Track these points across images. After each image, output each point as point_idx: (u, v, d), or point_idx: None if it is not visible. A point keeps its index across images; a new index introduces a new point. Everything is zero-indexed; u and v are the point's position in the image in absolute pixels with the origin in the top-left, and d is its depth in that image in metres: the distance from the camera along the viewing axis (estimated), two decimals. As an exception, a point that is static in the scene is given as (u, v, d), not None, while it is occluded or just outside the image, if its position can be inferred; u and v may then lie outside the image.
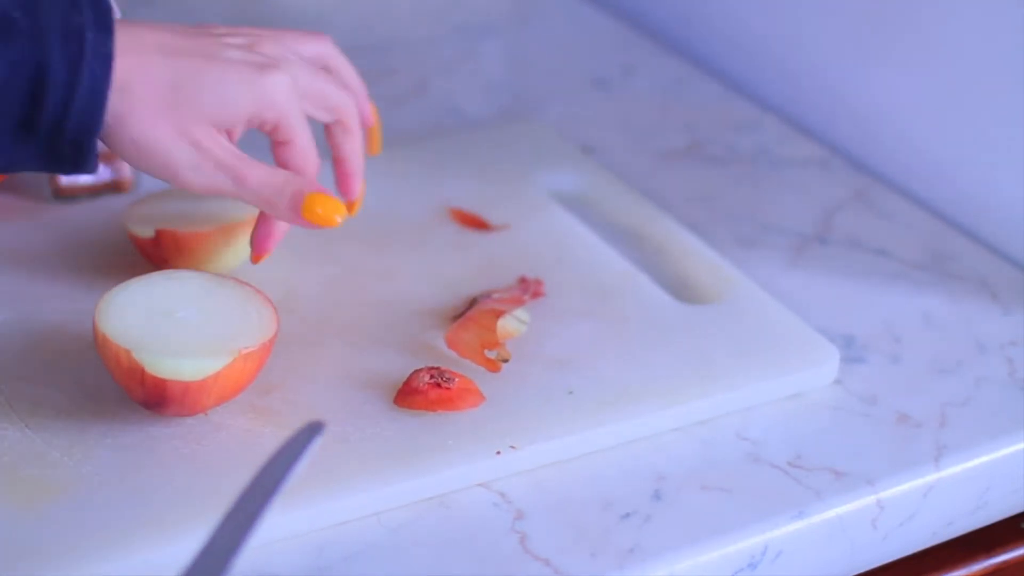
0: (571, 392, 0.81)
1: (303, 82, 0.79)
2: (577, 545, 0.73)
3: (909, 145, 1.03)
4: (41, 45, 0.69)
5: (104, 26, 0.71)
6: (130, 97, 0.73)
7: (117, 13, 0.86)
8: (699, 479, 0.78)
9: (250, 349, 0.75)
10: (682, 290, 0.91)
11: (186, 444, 0.75)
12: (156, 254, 0.85)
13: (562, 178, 1.01)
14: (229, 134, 0.78)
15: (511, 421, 0.78)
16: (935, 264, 0.96)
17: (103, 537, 0.70)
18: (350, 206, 0.85)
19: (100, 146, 0.73)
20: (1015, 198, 0.96)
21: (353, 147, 0.84)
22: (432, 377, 0.79)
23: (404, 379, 0.79)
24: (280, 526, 0.72)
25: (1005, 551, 0.85)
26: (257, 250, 0.82)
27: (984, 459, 0.81)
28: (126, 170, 0.95)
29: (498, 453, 0.76)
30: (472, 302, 0.86)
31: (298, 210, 0.77)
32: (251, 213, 0.86)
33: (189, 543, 0.69)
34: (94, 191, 0.95)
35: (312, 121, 0.81)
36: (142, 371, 0.73)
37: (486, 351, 0.82)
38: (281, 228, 0.82)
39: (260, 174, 0.76)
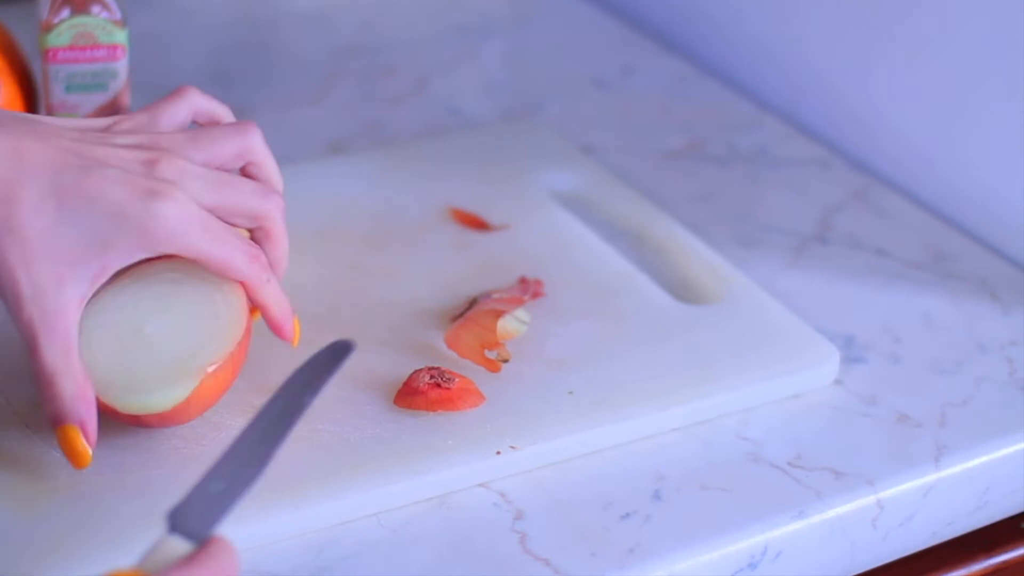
0: (571, 392, 0.81)
1: (208, 199, 0.72)
2: (577, 545, 0.73)
3: (909, 145, 1.03)
4: None
5: None
6: None
7: (118, 14, 0.86)
8: (699, 479, 0.78)
9: (216, 366, 0.73)
10: (682, 290, 0.91)
11: (186, 444, 0.75)
12: None
13: (562, 178, 1.01)
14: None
15: (511, 421, 0.78)
16: (935, 264, 0.96)
17: (103, 537, 0.70)
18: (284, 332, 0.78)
19: None
20: (1015, 198, 0.96)
21: (278, 255, 0.77)
22: (432, 377, 0.79)
23: (404, 379, 0.79)
24: (280, 526, 0.72)
25: (1005, 551, 0.85)
26: (287, 336, 0.78)
27: (984, 459, 0.81)
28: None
29: (498, 453, 0.76)
30: (472, 302, 0.86)
31: (55, 431, 0.71)
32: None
33: (189, 543, 0.68)
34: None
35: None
36: (114, 409, 0.72)
37: (486, 351, 0.82)
38: (277, 311, 0.77)
39: (50, 359, 0.69)
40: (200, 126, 0.79)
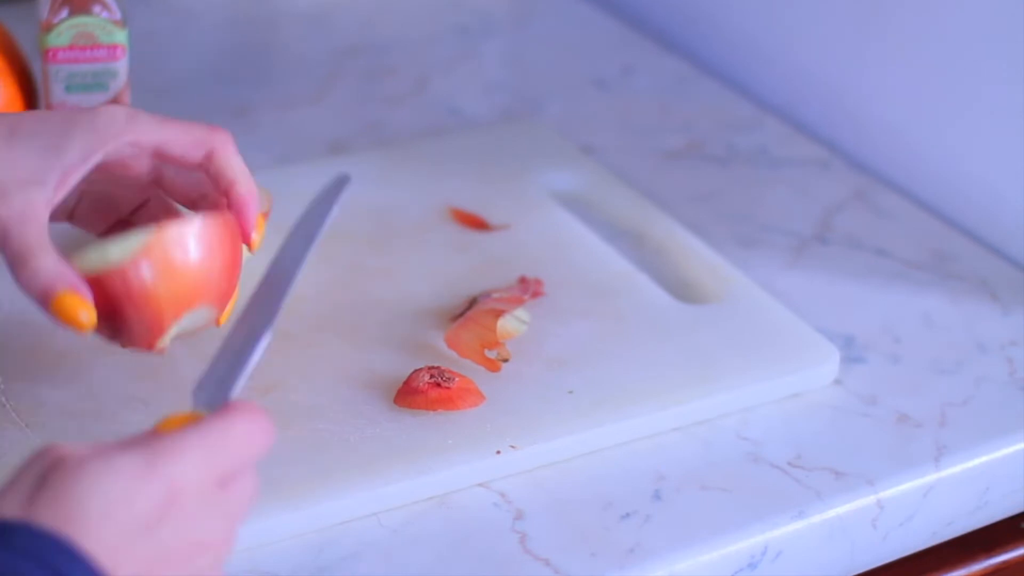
0: (571, 392, 0.81)
1: (154, 130, 0.73)
2: (577, 545, 0.73)
3: (909, 145, 1.03)
4: None
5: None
6: None
7: (118, 14, 0.86)
8: (699, 479, 0.78)
9: (179, 233, 0.70)
10: (682, 290, 0.91)
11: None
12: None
13: (562, 178, 1.01)
14: None
15: (511, 421, 0.78)
16: (935, 264, 0.96)
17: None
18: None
19: None
20: (1015, 198, 0.96)
21: (244, 190, 0.75)
22: (432, 377, 0.79)
23: (404, 379, 0.79)
24: (280, 526, 0.72)
25: (1005, 551, 0.85)
26: (249, 223, 0.76)
27: (984, 459, 0.81)
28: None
29: (498, 453, 0.76)
30: (472, 302, 0.86)
31: (51, 308, 0.70)
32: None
33: None
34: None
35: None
36: (85, 280, 0.69)
37: (486, 351, 0.82)
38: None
39: (25, 240, 0.70)
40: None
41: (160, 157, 0.74)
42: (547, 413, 0.79)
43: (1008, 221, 0.97)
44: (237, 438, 0.60)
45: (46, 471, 0.58)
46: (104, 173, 0.74)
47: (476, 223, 0.95)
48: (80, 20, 0.86)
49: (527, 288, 0.88)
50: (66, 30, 0.86)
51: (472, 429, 0.77)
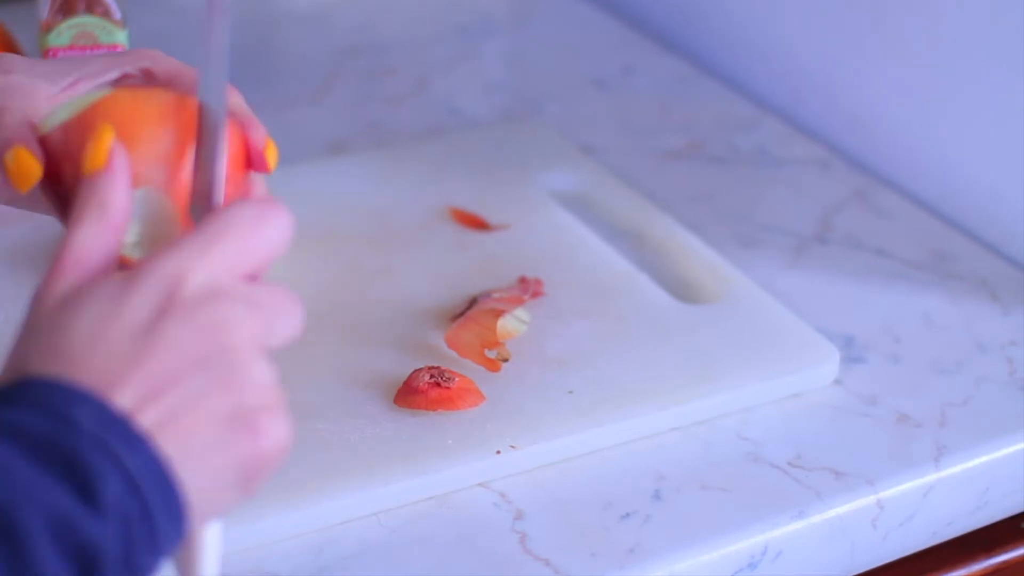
0: (571, 392, 0.81)
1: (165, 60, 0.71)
2: (577, 545, 0.73)
3: (909, 145, 1.03)
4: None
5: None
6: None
7: (118, 14, 0.86)
8: (699, 479, 0.78)
9: (144, 90, 0.66)
10: (682, 290, 0.90)
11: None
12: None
13: (562, 178, 1.01)
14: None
15: (511, 421, 0.78)
16: (935, 264, 0.96)
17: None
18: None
19: None
20: (1015, 198, 0.96)
21: (260, 134, 0.70)
22: (432, 377, 0.79)
23: (404, 379, 0.79)
24: (280, 526, 0.72)
25: (1005, 551, 0.85)
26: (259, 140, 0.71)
27: (984, 459, 0.81)
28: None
29: (498, 453, 0.76)
30: (472, 302, 0.86)
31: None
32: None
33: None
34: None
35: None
36: (45, 144, 0.66)
37: (486, 351, 0.82)
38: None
39: None
40: None
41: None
42: (547, 413, 0.79)
43: (1008, 221, 0.97)
44: (243, 226, 0.56)
45: (29, 319, 0.55)
46: None
47: (476, 223, 0.95)
48: (80, 20, 0.86)
49: (527, 288, 0.88)
50: (66, 30, 0.86)
51: (472, 429, 0.77)
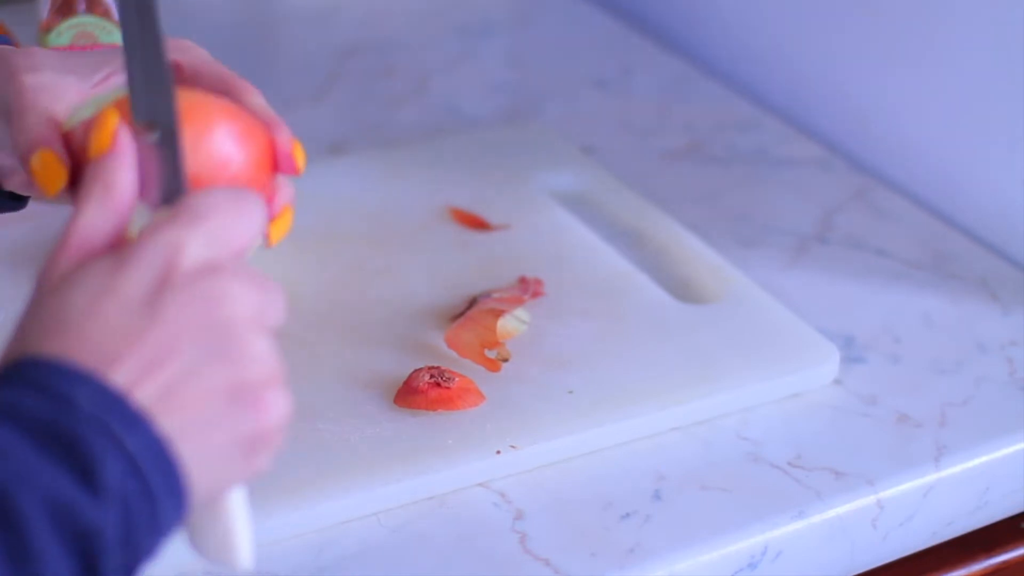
0: (571, 392, 0.81)
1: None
2: (577, 545, 0.73)
3: (909, 145, 1.03)
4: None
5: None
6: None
7: (117, 13, 0.86)
8: (699, 479, 0.78)
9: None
10: (682, 290, 0.91)
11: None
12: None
13: (562, 178, 1.01)
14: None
15: (511, 421, 0.78)
16: (935, 264, 0.96)
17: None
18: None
19: None
20: (1015, 198, 0.96)
21: (260, 100, 0.69)
22: (432, 377, 0.79)
23: (404, 379, 0.79)
24: (280, 526, 0.72)
25: (1005, 551, 0.85)
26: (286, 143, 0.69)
27: (984, 459, 0.81)
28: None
29: (498, 453, 0.76)
30: (472, 302, 0.86)
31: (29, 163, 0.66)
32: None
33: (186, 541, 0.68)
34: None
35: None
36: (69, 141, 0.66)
37: (486, 351, 0.82)
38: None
39: (23, 98, 0.67)
40: None
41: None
42: (547, 413, 0.79)
43: (1008, 221, 0.97)
44: (225, 205, 0.55)
45: (31, 299, 0.55)
46: None
47: (476, 223, 0.95)
48: (80, 20, 0.86)
49: (527, 288, 0.88)
50: (66, 30, 0.86)
51: (472, 429, 0.77)
